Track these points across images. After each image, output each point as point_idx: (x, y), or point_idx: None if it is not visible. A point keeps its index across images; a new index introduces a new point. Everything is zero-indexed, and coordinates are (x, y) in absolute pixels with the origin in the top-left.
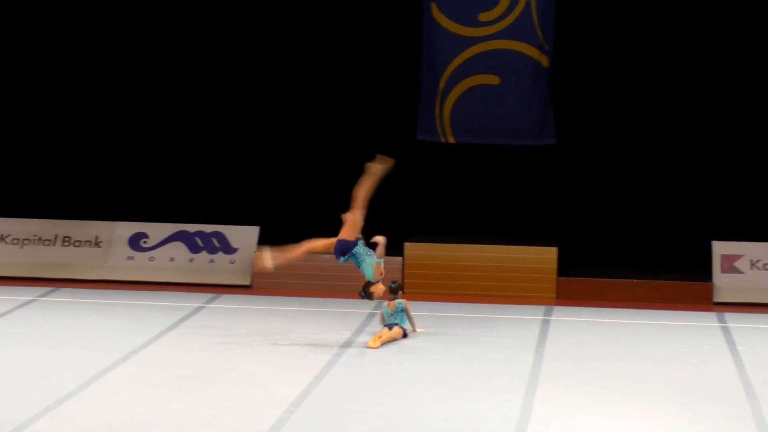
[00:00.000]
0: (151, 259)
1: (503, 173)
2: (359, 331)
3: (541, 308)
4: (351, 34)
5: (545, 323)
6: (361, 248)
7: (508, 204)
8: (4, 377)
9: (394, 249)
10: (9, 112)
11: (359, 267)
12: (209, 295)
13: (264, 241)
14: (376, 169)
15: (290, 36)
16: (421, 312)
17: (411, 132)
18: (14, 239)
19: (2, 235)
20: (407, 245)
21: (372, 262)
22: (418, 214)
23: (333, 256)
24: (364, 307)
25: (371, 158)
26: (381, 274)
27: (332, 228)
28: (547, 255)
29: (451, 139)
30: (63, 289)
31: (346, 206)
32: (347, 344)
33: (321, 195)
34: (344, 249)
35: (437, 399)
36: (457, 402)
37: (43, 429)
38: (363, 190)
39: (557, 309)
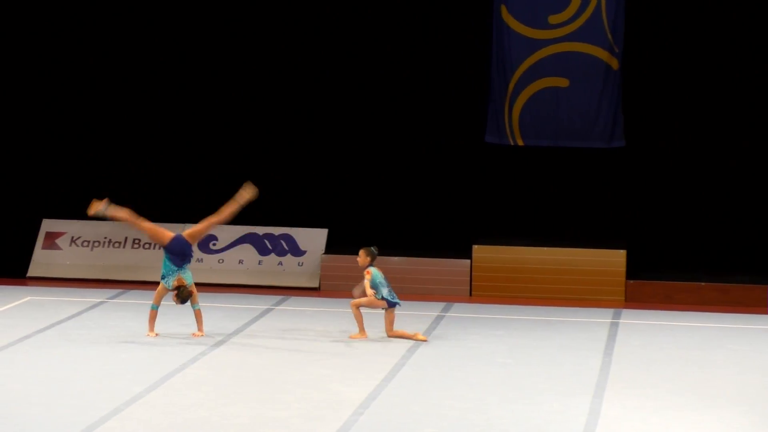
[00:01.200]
0: (220, 261)
1: (572, 176)
2: (427, 333)
3: (610, 311)
4: (421, 36)
5: (613, 326)
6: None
7: (577, 206)
8: (73, 379)
9: (461, 251)
10: (79, 117)
11: (182, 272)
12: (277, 298)
13: (333, 244)
14: (242, 198)
15: (362, 39)
16: (489, 315)
17: (480, 134)
18: (85, 241)
19: (73, 237)
20: (475, 248)
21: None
22: (486, 216)
23: (398, 259)
24: (433, 309)
25: (441, 160)
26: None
27: (393, 229)
28: (616, 258)
29: (520, 142)
30: (132, 291)
31: (415, 208)
32: (415, 346)
33: (390, 197)
34: (184, 250)
35: (504, 402)
36: (523, 405)
37: (110, 431)
38: (224, 213)
39: (626, 312)
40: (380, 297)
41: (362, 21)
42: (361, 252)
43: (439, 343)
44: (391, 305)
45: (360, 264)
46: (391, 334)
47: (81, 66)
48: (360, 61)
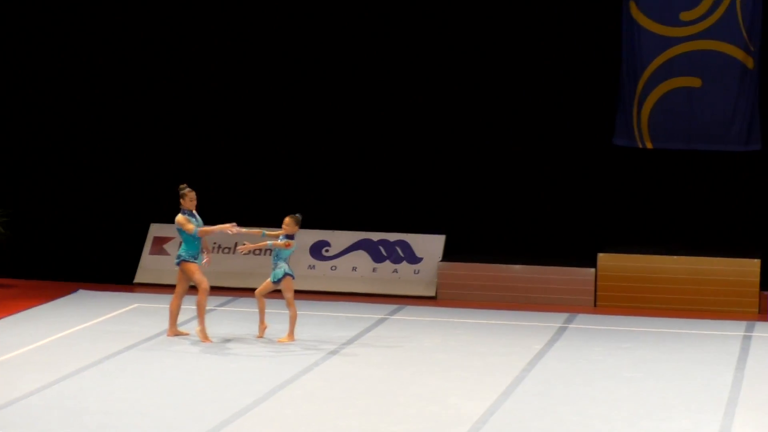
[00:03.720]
0: (333, 268)
1: (704, 180)
2: (549, 345)
3: (743, 324)
4: (546, 35)
5: (746, 340)
6: None
7: (709, 213)
8: (181, 389)
9: (586, 260)
10: (190, 120)
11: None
12: (392, 306)
13: (451, 251)
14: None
15: (486, 38)
16: (614, 326)
17: (607, 137)
18: None
19: (171, 237)
20: (601, 256)
21: None
22: (613, 223)
23: (520, 268)
24: (554, 320)
25: (566, 163)
26: None
27: (515, 235)
28: (750, 267)
29: (650, 145)
30: (242, 299)
31: (538, 214)
32: (536, 359)
33: (512, 202)
34: None
35: (630, 418)
36: (651, 422)
37: None
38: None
39: (759, 325)
40: (282, 271)
41: (487, 20)
42: (290, 220)
43: (562, 356)
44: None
45: (282, 245)
46: (260, 297)
47: (188, 66)
48: (486, 62)
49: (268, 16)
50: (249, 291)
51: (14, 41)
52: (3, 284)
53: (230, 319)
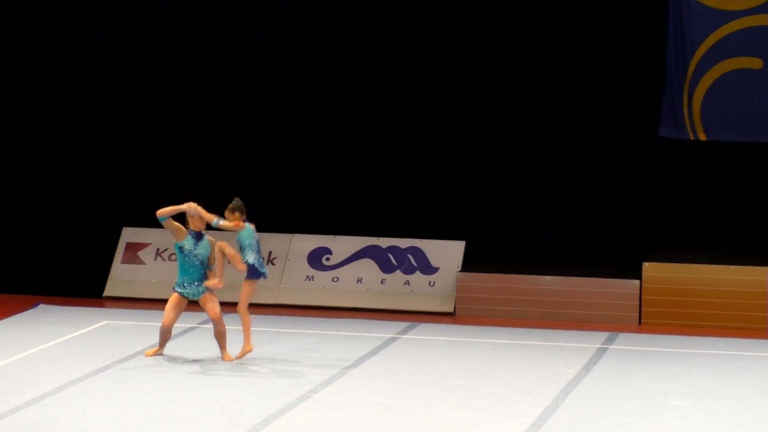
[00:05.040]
0: (335, 279)
1: (765, 178)
2: (586, 369)
3: None
4: (581, 13)
5: None
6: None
7: None
8: (157, 419)
9: (629, 270)
10: (165, 113)
11: None
12: (403, 324)
13: (471, 259)
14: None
15: (510, 25)
16: (661, 347)
17: (652, 127)
18: (173, 254)
19: (159, 249)
20: (646, 266)
21: None
22: (659, 227)
23: (551, 279)
24: (594, 340)
25: (605, 159)
26: None
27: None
28: None
29: (702, 136)
30: (231, 315)
31: (573, 216)
32: (570, 386)
33: (541, 203)
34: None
35: None
36: None
37: None
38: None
39: None
40: (245, 261)
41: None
42: (229, 215)
43: (601, 382)
44: (255, 275)
45: (231, 227)
46: (243, 312)
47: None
48: (514, 48)
49: (275, 17)
50: (234, 306)
51: None
52: None
53: (212, 338)
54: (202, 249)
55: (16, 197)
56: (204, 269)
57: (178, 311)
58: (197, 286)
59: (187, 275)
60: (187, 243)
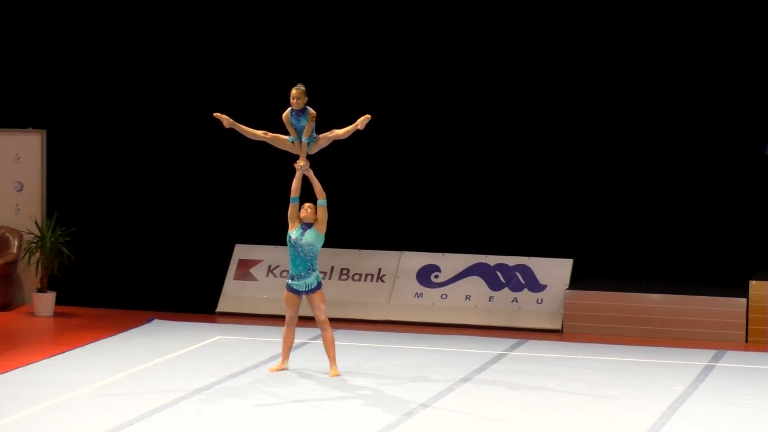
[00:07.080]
0: (443, 296)
1: None
2: (692, 386)
3: None
4: (681, 22)
5: None
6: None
7: None
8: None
9: (737, 288)
10: None
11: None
12: (511, 341)
13: (579, 277)
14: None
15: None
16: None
17: (759, 144)
18: (284, 271)
19: (271, 266)
20: (753, 284)
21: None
22: (766, 245)
23: (658, 297)
24: (699, 358)
25: (711, 176)
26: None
27: (653, 260)
28: None
29: None
30: (340, 331)
31: (679, 234)
32: (677, 403)
33: (648, 220)
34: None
35: None
36: None
37: None
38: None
39: None
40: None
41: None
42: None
43: (708, 400)
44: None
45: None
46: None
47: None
48: (618, 54)
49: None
50: (346, 323)
51: (89, 46)
52: (66, 313)
53: (322, 356)
54: (308, 237)
55: (132, 216)
56: (311, 260)
57: (294, 309)
58: (305, 277)
59: (295, 268)
60: (295, 233)
